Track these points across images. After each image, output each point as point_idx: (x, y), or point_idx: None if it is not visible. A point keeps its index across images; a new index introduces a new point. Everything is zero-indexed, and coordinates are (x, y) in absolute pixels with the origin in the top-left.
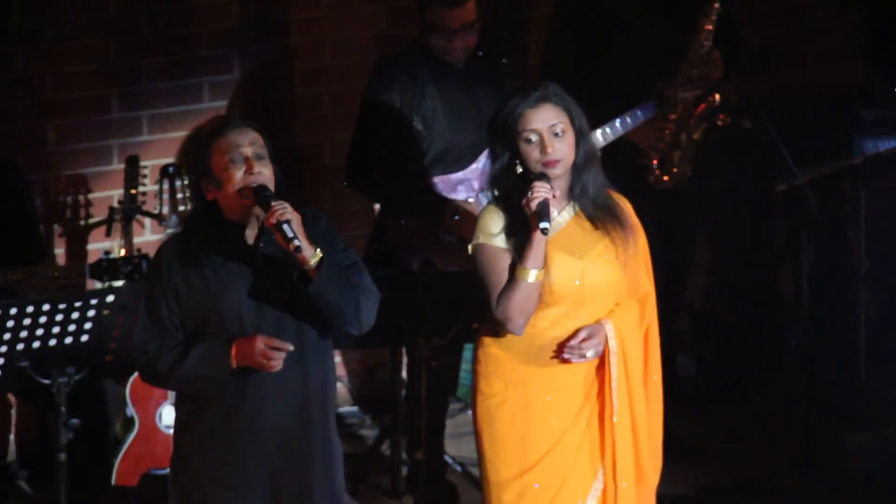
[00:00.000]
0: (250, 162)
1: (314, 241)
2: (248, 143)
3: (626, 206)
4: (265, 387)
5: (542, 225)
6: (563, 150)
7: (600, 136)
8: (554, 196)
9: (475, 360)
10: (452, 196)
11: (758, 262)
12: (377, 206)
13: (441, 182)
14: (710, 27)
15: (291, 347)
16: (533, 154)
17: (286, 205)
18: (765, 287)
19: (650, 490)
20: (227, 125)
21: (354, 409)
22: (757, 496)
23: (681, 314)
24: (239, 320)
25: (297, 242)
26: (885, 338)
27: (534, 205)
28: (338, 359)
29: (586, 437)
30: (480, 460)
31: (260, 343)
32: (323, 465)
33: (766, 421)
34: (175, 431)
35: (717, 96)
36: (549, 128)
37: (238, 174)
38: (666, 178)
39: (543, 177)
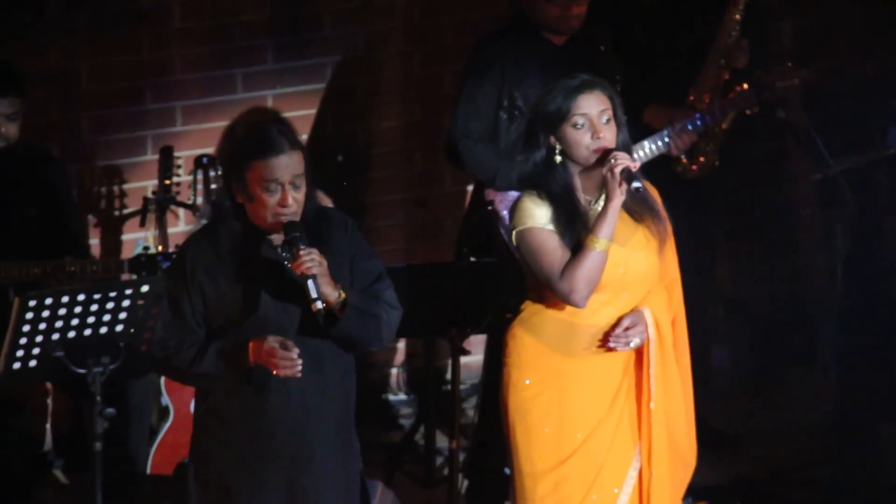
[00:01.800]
0: (285, 194)
1: (337, 272)
2: (288, 171)
3: (655, 195)
4: (287, 384)
5: (635, 184)
6: (610, 137)
7: (652, 149)
8: (635, 165)
9: (507, 352)
10: None
11: (792, 252)
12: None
13: None
14: (738, 16)
15: (297, 358)
16: (583, 139)
17: (314, 254)
18: (799, 278)
19: (689, 475)
20: (271, 146)
21: (402, 396)
22: (791, 487)
23: (713, 305)
24: (264, 323)
25: (318, 305)
26: None
27: (618, 171)
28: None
29: (622, 424)
30: (513, 452)
31: (267, 344)
32: (342, 461)
33: (799, 412)
34: (195, 426)
35: (745, 85)
36: (598, 113)
37: (271, 201)
38: (693, 167)
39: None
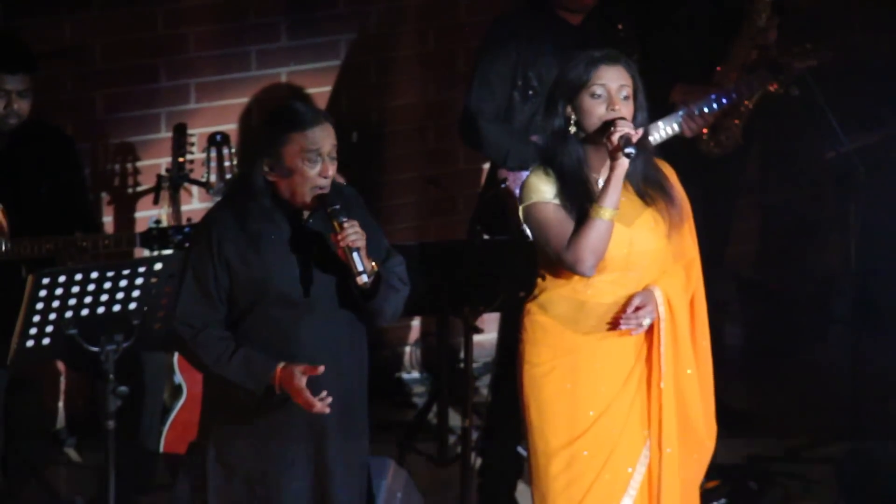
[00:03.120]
0: (325, 165)
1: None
2: (328, 142)
3: (670, 175)
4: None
5: (628, 150)
6: (626, 112)
7: (666, 130)
8: (636, 134)
9: (521, 329)
10: None
11: (805, 230)
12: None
13: None
14: None
15: (327, 409)
16: (598, 109)
17: (356, 226)
18: (812, 255)
19: (706, 456)
20: (310, 118)
21: (413, 375)
22: (805, 464)
23: (726, 282)
24: (291, 297)
25: (364, 278)
26: None
27: (616, 138)
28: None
29: (635, 404)
30: (528, 429)
31: (297, 381)
32: (356, 437)
33: (813, 389)
34: (206, 405)
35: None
36: (618, 87)
37: (312, 173)
38: (716, 145)
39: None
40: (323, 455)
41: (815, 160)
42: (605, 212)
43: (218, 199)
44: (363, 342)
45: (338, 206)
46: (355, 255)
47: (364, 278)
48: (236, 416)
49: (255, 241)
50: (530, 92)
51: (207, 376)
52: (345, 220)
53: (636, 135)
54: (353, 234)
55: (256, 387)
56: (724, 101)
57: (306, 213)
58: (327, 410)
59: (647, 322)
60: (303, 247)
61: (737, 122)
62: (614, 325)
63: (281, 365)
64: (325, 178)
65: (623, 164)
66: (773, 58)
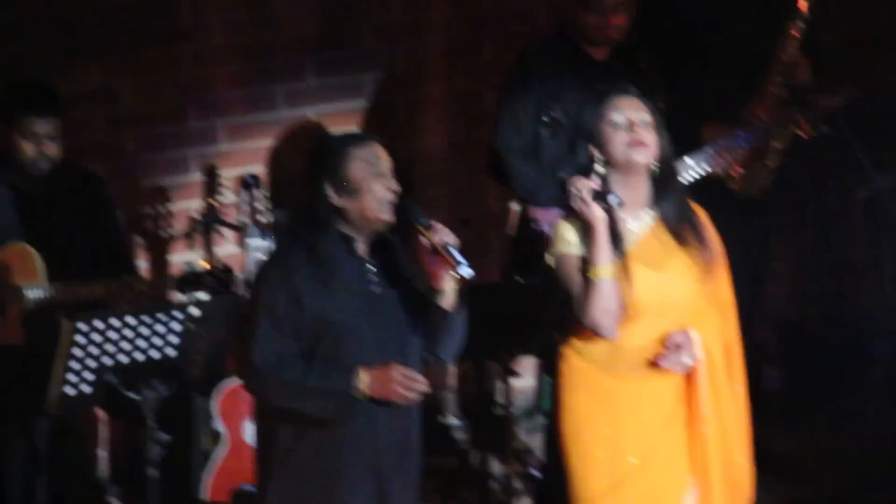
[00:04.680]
0: (390, 180)
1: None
2: (386, 158)
3: (703, 218)
4: (374, 407)
5: (613, 198)
6: (650, 138)
7: (694, 167)
8: (595, 182)
9: (558, 374)
10: None
11: (841, 271)
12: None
13: None
14: (797, 33)
15: (426, 385)
16: (619, 137)
17: (443, 226)
18: (849, 296)
19: (746, 502)
20: (365, 136)
21: (456, 420)
22: None
23: (764, 325)
24: (357, 335)
25: (467, 269)
26: None
27: (586, 194)
28: None
29: (676, 448)
30: (568, 476)
31: (398, 373)
32: (416, 477)
33: (855, 433)
34: (269, 453)
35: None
36: (637, 113)
37: (380, 186)
38: (748, 186)
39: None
40: (384, 499)
41: (849, 200)
42: (599, 270)
43: (252, 242)
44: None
45: (420, 209)
46: (452, 249)
47: (467, 269)
48: (296, 464)
49: (326, 274)
50: (557, 127)
51: (276, 418)
52: (430, 220)
53: (595, 182)
54: (444, 230)
55: (342, 388)
56: (751, 138)
57: (363, 249)
58: (418, 392)
59: (687, 361)
60: (369, 282)
61: (768, 163)
62: (653, 365)
63: (367, 368)
64: (393, 191)
65: (599, 217)
66: (801, 95)
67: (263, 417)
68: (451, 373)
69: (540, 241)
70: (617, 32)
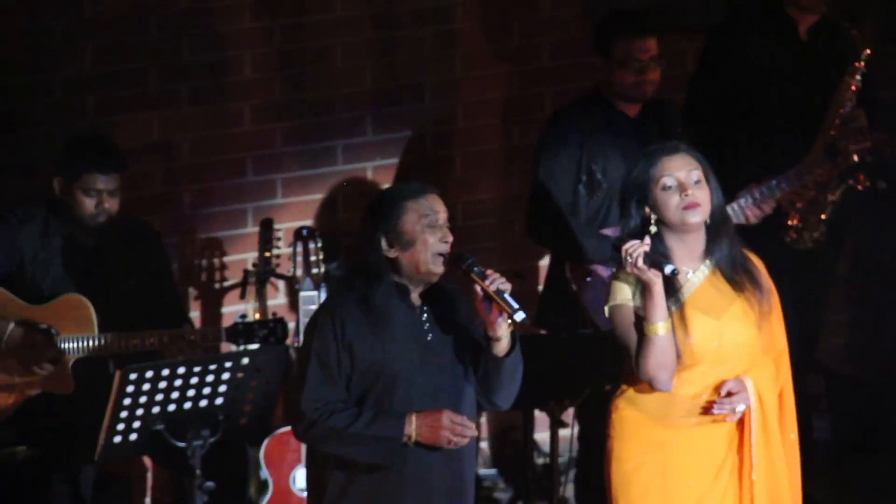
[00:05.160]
0: (445, 231)
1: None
2: (442, 210)
3: (759, 266)
4: (426, 452)
5: (668, 268)
6: (702, 196)
7: (742, 206)
8: (647, 245)
9: (609, 425)
10: None
11: (892, 323)
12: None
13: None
14: (855, 87)
15: (475, 431)
16: (672, 199)
17: (497, 273)
18: None
19: None
20: (422, 187)
21: (491, 471)
22: None
23: (815, 376)
24: (409, 382)
25: (522, 315)
26: None
27: (640, 262)
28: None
29: (727, 496)
30: None
31: (447, 418)
32: None
33: None
34: (323, 495)
35: (856, 157)
36: (687, 173)
37: (433, 239)
38: (804, 238)
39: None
40: None
41: None
42: (656, 327)
43: (305, 293)
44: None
45: (473, 259)
46: (507, 296)
47: (522, 315)
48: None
49: (377, 323)
50: (595, 185)
51: (327, 464)
52: (484, 269)
53: (645, 244)
54: (498, 278)
55: (392, 433)
56: (783, 184)
57: (416, 298)
58: (470, 436)
59: (740, 409)
60: (422, 330)
61: (823, 216)
62: (706, 411)
63: (417, 414)
64: (447, 242)
65: (653, 279)
66: (830, 141)
67: (314, 465)
68: (483, 422)
69: (578, 297)
70: (652, 87)
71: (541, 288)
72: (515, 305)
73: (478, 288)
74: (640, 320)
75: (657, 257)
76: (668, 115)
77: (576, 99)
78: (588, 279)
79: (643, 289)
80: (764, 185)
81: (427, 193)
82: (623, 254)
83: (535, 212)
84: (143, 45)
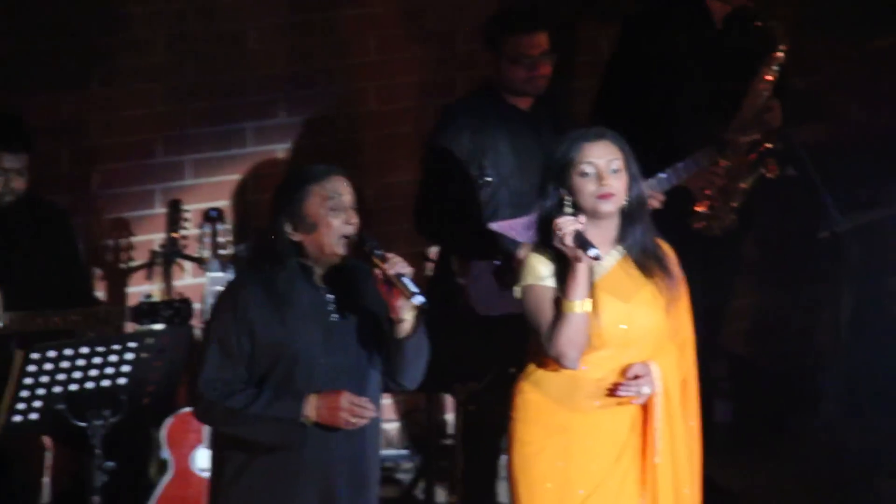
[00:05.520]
0: (349, 214)
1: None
2: (347, 193)
3: (670, 255)
4: (327, 433)
5: (592, 252)
6: (618, 186)
7: (653, 184)
8: (581, 223)
9: (513, 407)
10: (522, 240)
11: (797, 308)
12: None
13: (510, 226)
14: (771, 77)
15: (375, 413)
16: (588, 187)
17: (398, 257)
18: (803, 333)
19: None
20: (326, 170)
21: (403, 452)
22: None
23: (717, 359)
24: (310, 363)
25: (420, 298)
26: None
27: (569, 239)
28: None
29: (627, 478)
30: None
31: (345, 400)
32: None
33: (802, 468)
34: (222, 475)
35: (768, 144)
36: (606, 162)
37: (337, 222)
38: (713, 225)
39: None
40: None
41: (811, 239)
42: (574, 304)
43: (212, 274)
44: (378, 408)
45: (375, 242)
46: (405, 279)
47: (420, 298)
48: (243, 491)
49: (280, 304)
50: (485, 179)
51: (227, 444)
52: (385, 253)
53: (580, 221)
54: (398, 261)
55: (290, 414)
56: (671, 177)
57: (319, 279)
58: (370, 417)
59: (645, 391)
60: (326, 311)
61: (733, 203)
62: (611, 393)
63: (317, 395)
64: (351, 225)
65: (584, 258)
66: (718, 134)
67: (216, 446)
68: (398, 403)
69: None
70: (545, 81)
71: None
72: (414, 289)
73: (378, 270)
74: (558, 298)
75: (584, 238)
76: (561, 108)
77: (467, 93)
78: (474, 273)
79: (565, 265)
80: (679, 165)
81: (331, 176)
82: (554, 227)
83: (422, 207)
84: (53, 25)
